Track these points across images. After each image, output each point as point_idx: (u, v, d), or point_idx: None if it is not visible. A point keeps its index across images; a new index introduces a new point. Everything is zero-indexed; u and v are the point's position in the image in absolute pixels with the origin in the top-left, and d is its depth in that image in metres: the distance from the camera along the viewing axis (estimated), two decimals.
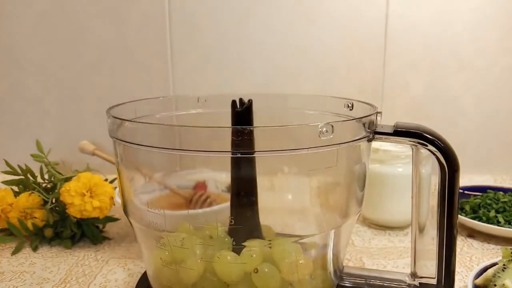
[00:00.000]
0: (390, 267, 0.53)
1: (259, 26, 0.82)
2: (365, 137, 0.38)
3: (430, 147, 0.37)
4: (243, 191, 0.40)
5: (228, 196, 0.41)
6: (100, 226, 0.62)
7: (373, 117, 0.38)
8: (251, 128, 0.34)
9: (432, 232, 0.39)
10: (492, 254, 0.56)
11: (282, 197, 0.47)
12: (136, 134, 0.37)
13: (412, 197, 0.40)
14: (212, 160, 0.39)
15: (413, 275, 0.41)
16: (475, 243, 0.59)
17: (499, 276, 0.43)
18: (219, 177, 0.57)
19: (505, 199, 0.64)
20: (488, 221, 0.60)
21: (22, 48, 0.82)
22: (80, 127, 0.85)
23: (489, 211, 0.62)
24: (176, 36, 0.82)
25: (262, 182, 0.40)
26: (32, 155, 0.61)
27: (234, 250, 0.38)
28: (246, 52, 0.83)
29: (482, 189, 0.70)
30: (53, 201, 0.59)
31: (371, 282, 0.42)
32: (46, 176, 0.63)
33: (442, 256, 0.38)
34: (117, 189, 0.60)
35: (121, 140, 0.38)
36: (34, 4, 0.80)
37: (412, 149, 0.39)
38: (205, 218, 0.46)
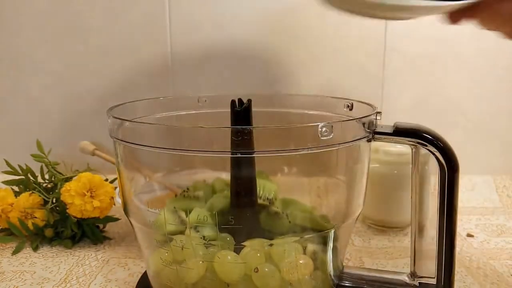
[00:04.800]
0: (390, 267, 0.53)
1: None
2: (365, 137, 0.38)
3: (430, 147, 0.37)
4: (243, 191, 0.41)
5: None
6: (101, 226, 0.62)
7: (372, 117, 0.38)
8: (251, 128, 0.34)
9: (432, 232, 0.39)
10: (491, 254, 0.56)
11: None
12: (136, 134, 0.38)
13: (412, 197, 0.40)
14: (212, 160, 0.39)
15: (413, 274, 0.41)
16: (475, 243, 0.59)
17: None
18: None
19: None
20: None
21: (22, 48, 0.82)
22: (80, 127, 0.85)
23: None
24: (176, 36, 0.82)
25: None
26: (32, 155, 0.61)
27: (234, 250, 0.38)
28: (246, 52, 0.83)
29: None
30: (54, 201, 0.59)
31: (371, 282, 0.42)
32: (46, 176, 0.63)
33: (442, 256, 0.38)
34: (117, 189, 0.60)
35: (121, 140, 0.38)
36: (34, 4, 0.80)
37: (412, 149, 0.39)
38: None
